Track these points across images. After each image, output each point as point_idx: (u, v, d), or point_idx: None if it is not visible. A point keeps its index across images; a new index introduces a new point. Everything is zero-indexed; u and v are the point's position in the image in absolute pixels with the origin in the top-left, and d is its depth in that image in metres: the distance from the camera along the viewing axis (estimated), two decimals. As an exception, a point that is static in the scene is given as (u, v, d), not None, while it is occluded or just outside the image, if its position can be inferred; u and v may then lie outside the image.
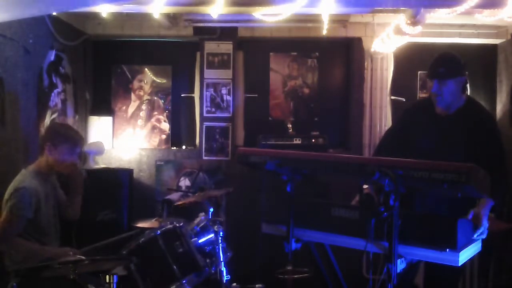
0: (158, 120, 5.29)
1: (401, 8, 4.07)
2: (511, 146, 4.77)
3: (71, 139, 3.12)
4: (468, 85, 3.06)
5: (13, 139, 3.59)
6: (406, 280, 2.96)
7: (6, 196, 2.98)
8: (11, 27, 3.48)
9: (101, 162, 5.03)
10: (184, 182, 4.93)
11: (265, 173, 2.62)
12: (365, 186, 2.65)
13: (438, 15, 4.07)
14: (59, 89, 4.49)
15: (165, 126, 5.29)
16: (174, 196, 4.30)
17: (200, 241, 3.06)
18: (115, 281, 2.54)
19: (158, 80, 5.31)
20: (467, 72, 3.03)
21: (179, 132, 5.35)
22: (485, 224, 2.55)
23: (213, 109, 5.11)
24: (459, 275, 3.67)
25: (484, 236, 2.53)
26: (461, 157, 2.80)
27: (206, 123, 5.12)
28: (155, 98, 5.30)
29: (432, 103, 3.07)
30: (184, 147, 5.29)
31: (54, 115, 4.37)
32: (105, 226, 4.34)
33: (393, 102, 5.14)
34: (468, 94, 3.18)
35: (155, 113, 5.29)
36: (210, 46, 5.09)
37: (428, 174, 2.08)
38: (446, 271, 2.52)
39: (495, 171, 2.48)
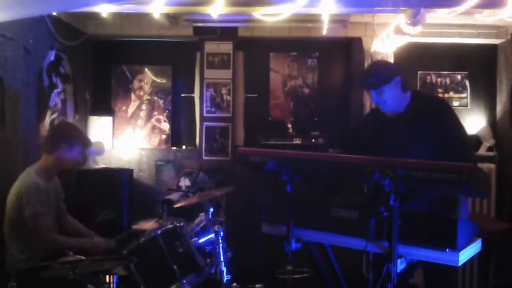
0: (158, 120, 5.29)
1: (401, 8, 4.06)
2: (511, 146, 4.81)
3: (84, 142, 3.28)
4: (405, 83, 3.00)
5: (13, 139, 3.59)
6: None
7: (14, 196, 2.96)
8: (11, 27, 3.48)
9: (101, 162, 5.03)
10: (184, 182, 4.93)
11: (265, 173, 2.62)
12: None
13: (438, 15, 4.07)
14: (59, 89, 4.50)
15: (165, 126, 5.29)
16: (174, 196, 4.30)
17: (200, 241, 3.06)
18: (115, 281, 2.54)
19: (158, 80, 5.31)
20: (402, 69, 3.01)
21: (179, 132, 5.35)
22: None
23: (213, 109, 5.11)
24: (457, 274, 3.67)
25: None
26: (424, 151, 2.80)
27: (206, 123, 5.12)
28: (155, 98, 5.30)
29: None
30: (184, 147, 5.29)
31: (54, 115, 4.37)
32: (105, 226, 4.33)
33: (393, 102, 5.12)
34: (417, 89, 3.13)
35: (155, 113, 5.29)
36: (210, 46, 5.09)
37: (428, 174, 2.09)
38: (444, 270, 2.52)
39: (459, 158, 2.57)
